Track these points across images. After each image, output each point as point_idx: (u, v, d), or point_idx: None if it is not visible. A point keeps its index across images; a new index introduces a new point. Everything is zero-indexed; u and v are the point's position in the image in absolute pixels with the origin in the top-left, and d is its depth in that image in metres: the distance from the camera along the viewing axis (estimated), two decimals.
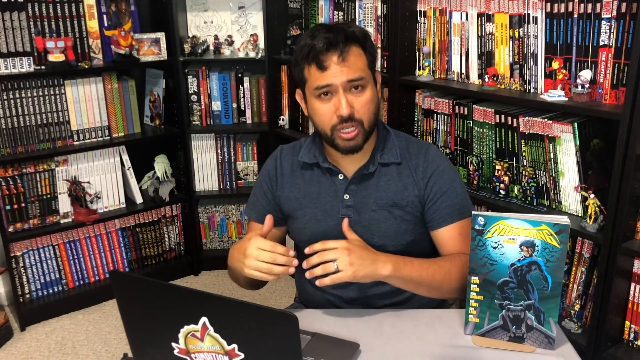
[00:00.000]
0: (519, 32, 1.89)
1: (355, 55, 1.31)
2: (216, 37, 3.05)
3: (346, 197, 1.42)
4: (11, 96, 2.56)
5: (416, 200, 1.41)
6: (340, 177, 1.43)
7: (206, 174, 3.15)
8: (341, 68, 1.29)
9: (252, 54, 2.97)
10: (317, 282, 1.22)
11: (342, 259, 1.20)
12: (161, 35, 2.87)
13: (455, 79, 2.15)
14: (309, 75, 1.34)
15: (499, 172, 1.97)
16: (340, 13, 2.56)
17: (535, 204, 1.89)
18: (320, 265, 1.21)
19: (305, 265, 1.22)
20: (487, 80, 2.01)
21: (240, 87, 3.06)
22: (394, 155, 1.42)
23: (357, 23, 2.45)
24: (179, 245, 3.21)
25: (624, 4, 1.60)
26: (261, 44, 2.97)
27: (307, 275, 1.22)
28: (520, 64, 1.91)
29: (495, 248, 1.15)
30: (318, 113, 1.35)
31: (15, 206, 2.62)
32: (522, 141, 1.91)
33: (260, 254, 1.22)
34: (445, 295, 1.39)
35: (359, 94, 1.32)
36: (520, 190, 1.93)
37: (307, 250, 1.24)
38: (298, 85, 1.42)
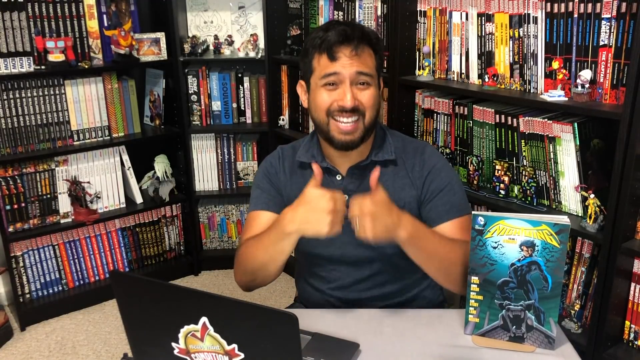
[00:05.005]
0: (519, 32, 1.89)
1: (367, 53, 1.34)
2: (216, 37, 3.05)
3: (345, 197, 1.41)
4: (11, 96, 2.56)
5: (413, 201, 1.40)
6: (339, 177, 1.43)
7: (206, 174, 3.15)
8: (352, 61, 1.31)
9: (252, 54, 2.97)
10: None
11: (362, 223, 1.18)
12: (161, 35, 2.87)
13: (455, 79, 2.15)
14: (317, 65, 1.34)
15: (499, 172, 1.97)
16: (340, 13, 2.55)
17: (535, 204, 1.89)
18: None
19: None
20: (487, 80, 2.01)
21: (240, 87, 3.06)
22: (388, 153, 1.42)
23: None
24: (179, 245, 3.20)
25: (624, 4, 1.60)
26: (261, 44, 2.97)
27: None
28: (520, 64, 1.91)
29: (495, 248, 1.15)
30: (319, 99, 1.35)
31: (15, 206, 2.62)
32: (522, 141, 1.91)
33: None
34: (448, 281, 1.33)
35: (364, 89, 1.34)
36: (520, 190, 1.93)
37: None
38: (303, 77, 1.42)
